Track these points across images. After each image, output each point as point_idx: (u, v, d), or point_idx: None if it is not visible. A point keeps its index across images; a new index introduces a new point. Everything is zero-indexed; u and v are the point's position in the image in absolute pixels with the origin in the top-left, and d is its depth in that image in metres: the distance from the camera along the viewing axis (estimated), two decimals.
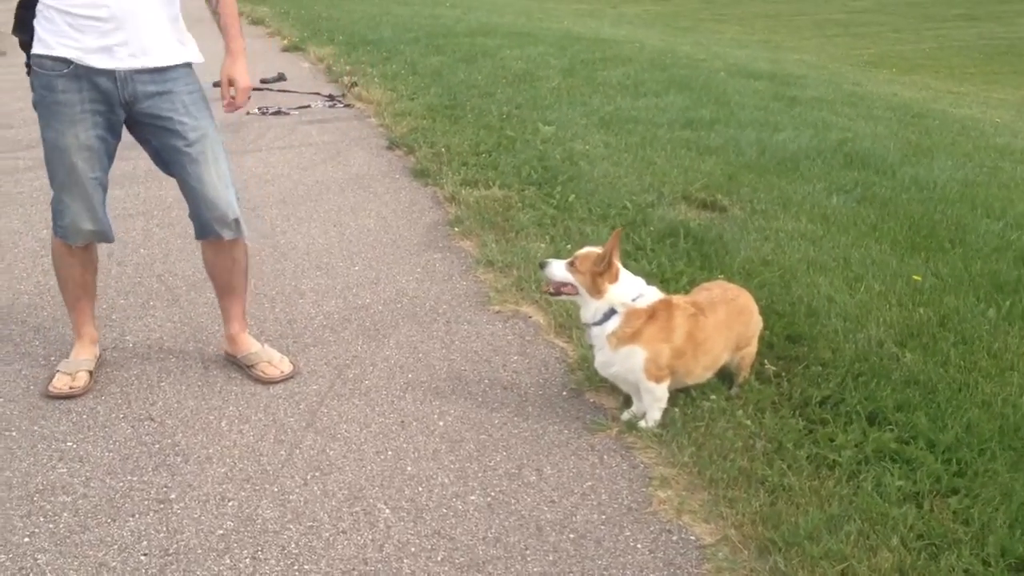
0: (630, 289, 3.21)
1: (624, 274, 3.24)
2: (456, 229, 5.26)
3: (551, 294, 3.36)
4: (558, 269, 3.26)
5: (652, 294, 3.24)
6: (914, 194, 5.85)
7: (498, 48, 11.40)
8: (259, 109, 8.41)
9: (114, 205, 5.66)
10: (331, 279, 4.64)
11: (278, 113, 8.38)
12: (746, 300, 3.47)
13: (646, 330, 3.17)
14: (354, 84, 9.29)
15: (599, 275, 3.17)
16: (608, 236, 4.77)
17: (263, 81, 9.68)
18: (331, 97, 8.96)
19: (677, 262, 4.49)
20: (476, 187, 5.80)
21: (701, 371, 3.32)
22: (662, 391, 3.23)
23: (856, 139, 7.35)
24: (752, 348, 3.47)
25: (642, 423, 3.27)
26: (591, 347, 3.36)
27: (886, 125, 8.31)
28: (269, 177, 6.43)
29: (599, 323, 3.24)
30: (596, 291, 3.19)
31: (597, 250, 3.21)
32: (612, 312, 3.21)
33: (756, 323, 3.49)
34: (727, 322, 3.33)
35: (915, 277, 4.37)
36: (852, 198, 5.73)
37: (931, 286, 4.30)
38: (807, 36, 23.70)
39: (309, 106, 8.67)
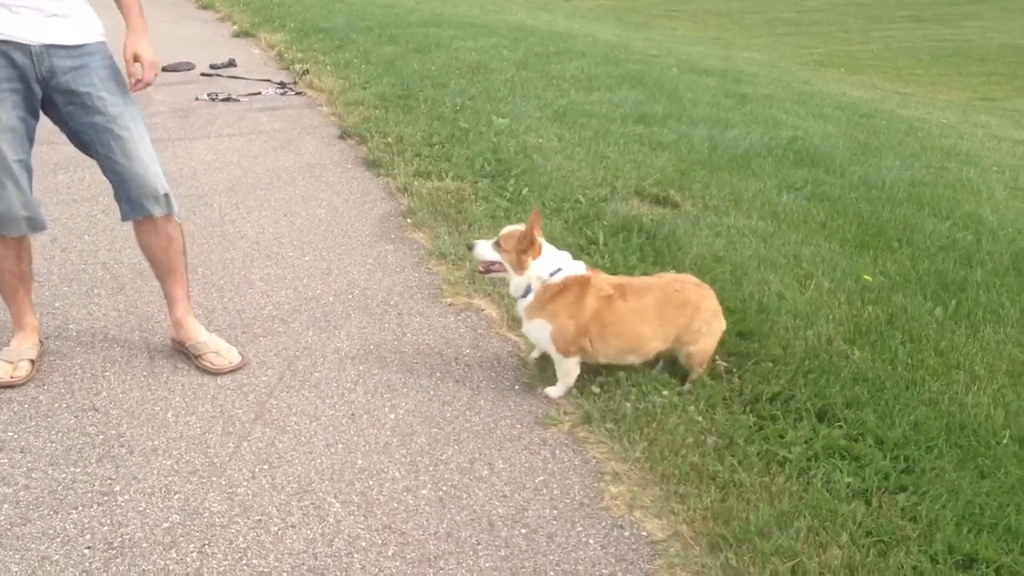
0: (549, 265, 3.40)
1: (547, 249, 3.42)
2: (408, 220, 5.22)
3: (482, 272, 3.55)
4: (484, 249, 3.47)
5: (573, 269, 3.39)
6: (863, 193, 5.92)
7: (452, 39, 11.35)
8: (208, 95, 8.30)
9: (59, 191, 5.57)
10: (281, 269, 4.58)
11: (228, 100, 8.26)
12: (696, 296, 3.45)
13: (551, 305, 3.37)
14: (306, 72, 9.19)
15: (523, 252, 3.37)
16: (562, 230, 4.78)
17: (212, 67, 9.55)
18: (282, 84, 8.86)
19: (630, 257, 4.50)
20: (429, 178, 5.77)
21: (614, 353, 3.43)
22: (570, 364, 3.41)
23: (806, 137, 7.42)
24: (701, 346, 3.45)
25: (548, 389, 3.47)
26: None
27: (835, 124, 8.40)
28: (218, 165, 6.33)
29: (523, 296, 3.44)
30: (520, 267, 3.41)
31: (519, 228, 3.38)
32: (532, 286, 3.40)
33: (705, 321, 3.44)
34: (656, 311, 3.38)
35: (866, 277, 4.41)
36: (802, 196, 5.78)
37: (879, 285, 4.35)
38: (758, 34, 23.94)
39: (260, 93, 8.56)
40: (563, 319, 3.33)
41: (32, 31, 3.11)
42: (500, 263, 3.44)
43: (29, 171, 3.34)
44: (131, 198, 3.42)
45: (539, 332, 3.40)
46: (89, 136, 3.33)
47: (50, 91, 3.23)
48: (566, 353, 3.37)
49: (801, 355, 3.59)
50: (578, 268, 3.41)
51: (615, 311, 3.34)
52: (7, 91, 3.14)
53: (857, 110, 9.57)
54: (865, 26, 26.15)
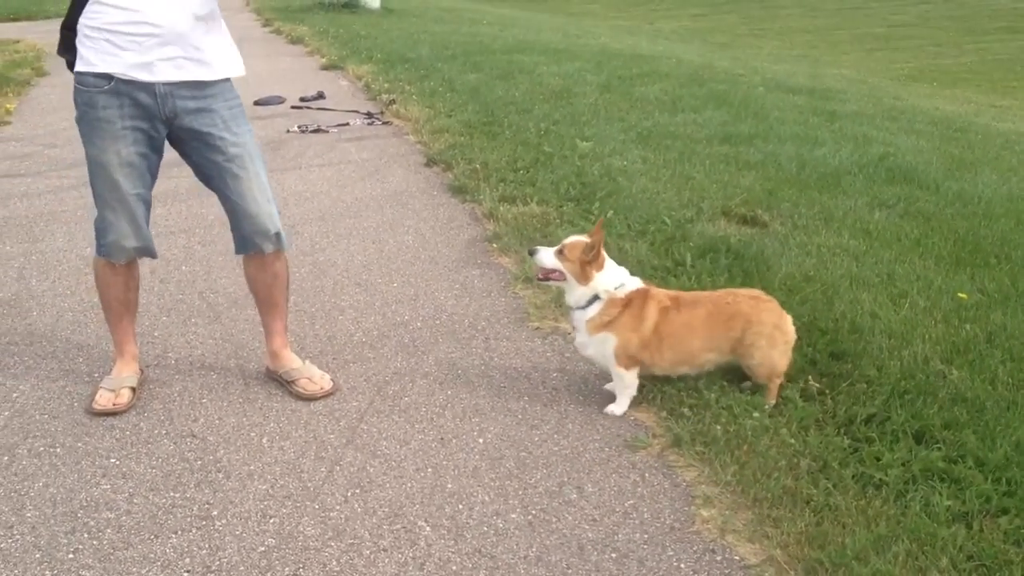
0: (614, 278, 3.43)
1: (609, 262, 3.43)
2: (494, 245, 5.26)
3: (540, 279, 3.56)
4: (547, 257, 3.45)
5: (633, 284, 3.43)
6: (958, 209, 5.78)
7: (535, 65, 11.42)
8: (299, 127, 8.49)
9: (157, 223, 5.72)
10: (370, 296, 4.65)
11: (317, 131, 8.44)
12: (749, 309, 3.41)
13: (620, 318, 3.39)
14: (392, 102, 9.34)
15: (587, 263, 3.37)
16: (647, 252, 4.76)
17: (302, 99, 9.77)
18: (369, 115, 9.01)
19: (718, 278, 4.46)
20: (514, 203, 5.80)
21: (669, 365, 3.46)
22: (631, 378, 3.45)
23: (898, 153, 7.27)
24: (759, 360, 3.39)
25: (610, 408, 3.50)
26: (573, 329, 3.59)
27: (928, 139, 8.22)
28: (308, 194, 6.47)
29: (582, 308, 3.45)
30: (584, 278, 3.40)
31: (584, 239, 3.38)
32: (596, 298, 3.43)
33: (761, 334, 3.38)
34: (706, 322, 3.40)
35: (961, 295, 4.30)
36: (895, 213, 5.67)
37: (977, 302, 4.23)
38: (846, 51, 23.57)
39: (348, 124, 8.72)
40: (628, 332, 3.37)
41: (157, 71, 3.20)
42: (561, 272, 3.44)
43: (147, 204, 3.47)
44: (243, 234, 3.53)
45: (602, 345, 3.42)
46: (210, 172, 3.45)
47: (175, 129, 3.34)
48: (627, 366, 3.42)
49: (896, 375, 3.51)
50: (636, 282, 3.47)
51: (670, 322, 3.39)
52: (129, 128, 3.25)
53: (951, 124, 9.35)
54: (957, 39, 25.52)
